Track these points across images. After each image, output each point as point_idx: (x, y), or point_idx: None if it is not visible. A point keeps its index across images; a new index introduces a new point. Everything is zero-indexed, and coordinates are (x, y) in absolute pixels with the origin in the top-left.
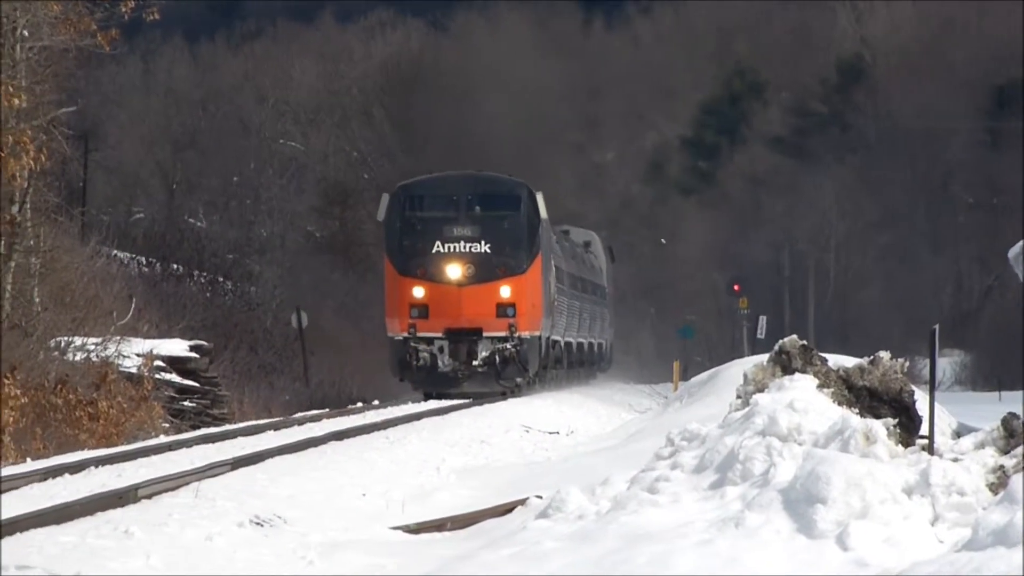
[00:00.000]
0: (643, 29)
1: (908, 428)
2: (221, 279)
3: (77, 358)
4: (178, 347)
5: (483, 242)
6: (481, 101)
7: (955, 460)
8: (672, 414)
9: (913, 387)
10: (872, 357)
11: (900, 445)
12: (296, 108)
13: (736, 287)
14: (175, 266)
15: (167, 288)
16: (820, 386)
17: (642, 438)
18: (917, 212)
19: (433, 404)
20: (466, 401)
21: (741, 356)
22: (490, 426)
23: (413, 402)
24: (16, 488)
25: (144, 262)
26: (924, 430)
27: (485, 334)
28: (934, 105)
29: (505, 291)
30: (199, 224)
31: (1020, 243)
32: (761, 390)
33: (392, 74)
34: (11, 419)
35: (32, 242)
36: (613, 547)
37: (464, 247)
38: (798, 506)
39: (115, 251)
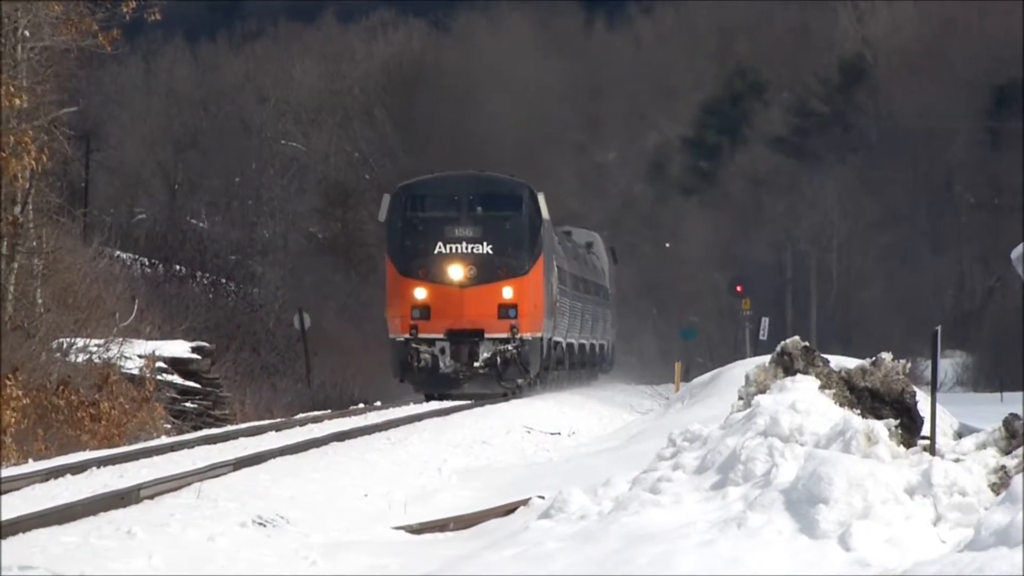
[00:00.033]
0: (644, 29)
1: (910, 429)
2: (223, 280)
3: (79, 359)
4: (180, 348)
5: (485, 243)
6: (483, 101)
7: (957, 460)
8: (674, 415)
9: (915, 388)
10: (874, 358)
11: (902, 446)
12: (297, 108)
13: (738, 288)
14: (177, 267)
15: (169, 289)
16: (822, 387)
17: (644, 439)
18: (919, 212)
19: (435, 405)
20: (468, 402)
21: (743, 357)
22: (492, 427)
23: (415, 403)
24: (18, 489)
25: (146, 263)
26: (926, 431)
27: (487, 335)
28: (935, 105)
29: (507, 292)
30: (201, 225)
31: (1022, 243)
32: (763, 391)
33: (394, 74)
34: (13, 420)
35: (34, 243)
36: (615, 547)
37: (466, 248)
38: (800, 506)
39: (117, 252)
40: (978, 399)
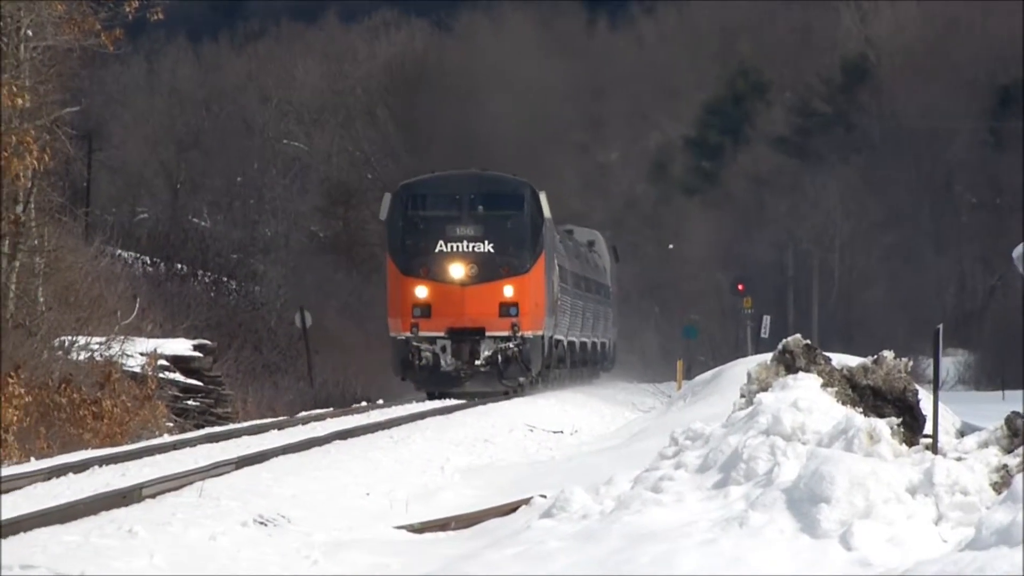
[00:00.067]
0: (647, 29)
1: (912, 427)
2: (225, 279)
3: (81, 357)
4: (182, 346)
5: (486, 241)
6: (485, 101)
7: (959, 459)
8: (676, 413)
9: (917, 386)
10: (876, 356)
11: (904, 444)
12: (300, 108)
13: (740, 287)
14: (179, 266)
15: (171, 288)
16: (824, 385)
17: (646, 437)
18: (921, 212)
19: (437, 403)
20: (470, 400)
21: (745, 355)
22: (494, 425)
23: (417, 401)
24: (20, 487)
25: (148, 262)
26: (928, 429)
27: (488, 334)
28: (938, 105)
29: (508, 290)
30: (203, 224)
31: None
32: (765, 389)
33: (396, 74)
34: (15, 418)
35: (36, 242)
36: (617, 546)
37: (467, 246)
38: (802, 505)
39: (119, 251)
40: (980, 397)
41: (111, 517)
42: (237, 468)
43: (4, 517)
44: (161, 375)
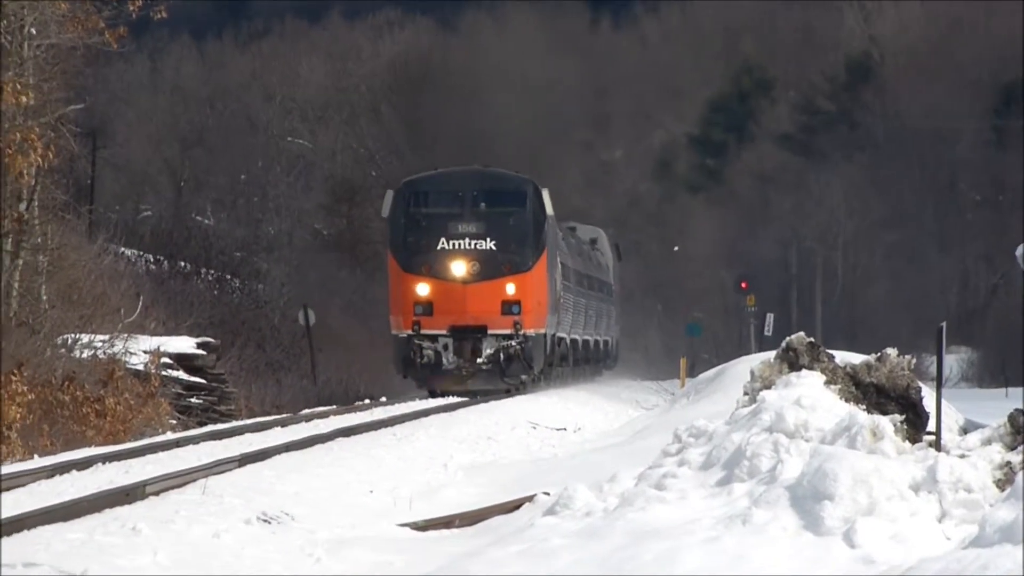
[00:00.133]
0: (650, 28)
1: (915, 424)
2: (229, 277)
3: (84, 355)
4: (185, 344)
5: (488, 239)
6: (489, 99)
7: (962, 456)
8: (679, 411)
9: (920, 384)
10: (879, 354)
11: (907, 441)
12: (304, 106)
13: (744, 285)
14: (183, 264)
15: (174, 286)
16: (827, 383)
17: (649, 435)
18: (924, 210)
19: (440, 401)
20: (473, 398)
21: (748, 353)
22: (497, 423)
23: (420, 399)
24: (23, 485)
25: (152, 260)
26: (931, 426)
27: (490, 331)
28: (942, 104)
29: (510, 288)
30: (207, 222)
31: None
32: (768, 387)
33: (400, 72)
34: (18, 416)
35: (40, 240)
36: (620, 544)
37: (469, 244)
38: (805, 503)
39: (123, 249)
40: (983, 395)
41: (114, 515)
42: (240, 465)
43: (8, 515)
44: (164, 373)
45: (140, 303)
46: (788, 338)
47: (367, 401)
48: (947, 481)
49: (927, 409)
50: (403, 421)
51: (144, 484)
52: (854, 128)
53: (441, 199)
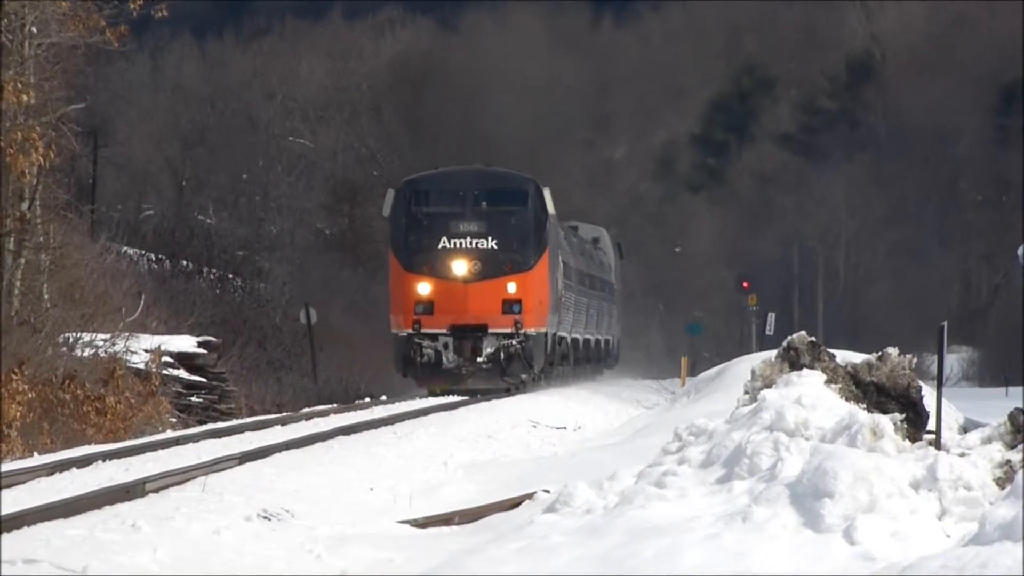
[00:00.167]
0: (652, 27)
1: (915, 423)
2: (230, 276)
3: (85, 354)
4: (186, 343)
5: (489, 238)
6: (490, 98)
7: (962, 455)
8: (679, 410)
9: (920, 383)
10: (880, 353)
11: (907, 440)
12: (304, 105)
13: (745, 284)
14: (184, 263)
15: (176, 285)
16: (828, 382)
17: (649, 433)
18: (926, 209)
19: (440, 400)
20: (474, 397)
21: (749, 352)
22: (497, 422)
23: (421, 398)
24: (23, 482)
25: (153, 259)
26: (931, 425)
27: (491, 330)
28: (943, 103)
29: (511, 287)
30: (209, 221)
31: None
32: (769, 386)
33: (401, 72)
34: (19, 414)
35: (41, 239)
36: (620, 541)
37: (470, 243)
38: (805, 500)
39: (124, 248)
40: (983, 394)
41: (114, 512)
42: (240, 463)
43: (8, 512)
44: (165, 372)
45: (142, 302)
46: (789, 337)
47: (367, 400)
48: (947, 479)
49: (927, 408)
50: (403, 419)
51: (144, 481)
52: (855, 127)
53: (442, 198)
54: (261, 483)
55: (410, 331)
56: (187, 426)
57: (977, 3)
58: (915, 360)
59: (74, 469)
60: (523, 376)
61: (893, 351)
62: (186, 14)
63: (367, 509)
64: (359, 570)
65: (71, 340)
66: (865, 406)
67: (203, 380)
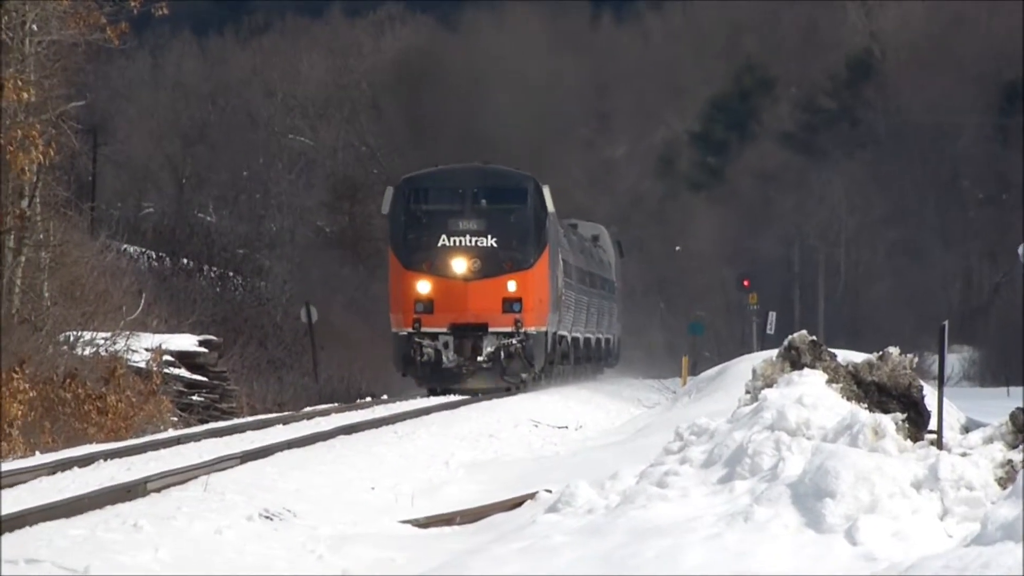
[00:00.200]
0: (652, 25)
1: (917, 423)
2: (231, 274)
3: (86, 352)
4: (187, 342)
5: (489, 236)
6: (490, 96)
7: (964, 455)
8: (681, 409)
9: (922, 382)
10: (881, 352)
11: (909, 440)
12: (305, 103)
13: (746, 282)
14: (185, 261)
15: (177, 283)
16: (829, 381)
17: (651, 433)
18: (927, 208)
19: (442, 399)
20: (475, 396)
21: (750, 351)
22: (498, 421)
23: (422, 397)
24: (25, 481)
25: (154, 256)
26: (932, 425)
27: (491, 329)
28: (943, 101)
29: (511, 286)
30: (209, 219)
31: None
32: (770, 385)
33: (401, 69)
34: (20, 412)
35: (42, 236)
36: (622, 541)
37: (470, 241)
38: (807, 500)
39: (125, 245)
40: (985, 394)
41: (116, 511)
42: (242, 463)
43: (10, 511)
44: (166, 371)
45: (142, 300)
46: (790, 336)
47: (369, 399)
48: (949, 479)
49: (929, 408)
50: (405, 419)
51: (146, 481)
52: (856, 125)
53: (442, 196)
54: (263, 482)
55: (410, 330)
56: (188, 425)
57: (977, 2)
58: (916, 359)
59: (76, 468)
60: (523, 375)
61: (894, 350)
62: (186, 11)
63: (369, 509)
64: (361, 570)
65: (72, 339)
66: (866, 406)
67: (204, 379)
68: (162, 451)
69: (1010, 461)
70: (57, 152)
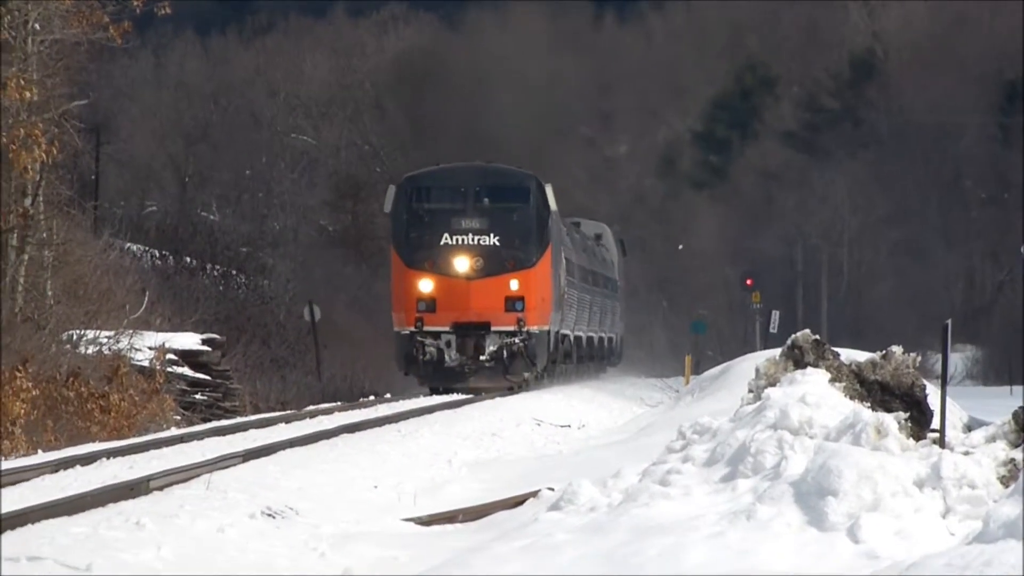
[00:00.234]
0: (654, 25)
1: (919, 422)
2: (234, 273)
3: (89, 351)
4: (190, 340)
5: (491, 235)
6: (493, 95)
7: (966, 453)
8: (684, 408)
9: (925, 381)
10: (884, 351)
11: (911, 439)
12: (308, 102)
13: (749, 282)
14: (188, 259)
15: (180, 281)
16: (832, 380)
17: (653, 432)
18: (929, 207)
19: (444, 398)
20: (478, 395)
21: (753, 350)
22: (501, 420)
23: (425, 396)
24: (27, 479)
25: (157, 255)
26: (935, 424)
27: (493, 328)
28: (946, 100)
29: (514, 284)
30: (212, 217)
31: None
32: (773, 384)
33: (404, 69)
34: (22, 411)
35: (45, 235)
36: (624, 539)
37: (472, 239)
38: (809, 499)
39: (128, 244)
40: (988, 392)
41: (118, 509)
42: (244, 461)
43: (13, 509)
44: (169, 369)
45: (145, 299)
46: (793, 335)
47: (372, 397)
48: (951, 477)
49: (931, 407)
50: (407, 417)
51: (148, 479)
52: (858, 125)
53: (444, 195)
54: (265, 481)
55: (412, 329)
56: (191, 424)
57: (979, 2)
58: (919, 359)
59: (78, 466)
60: (526, 374)
61: (897, 349)
62: (189, 11)
63: (371, 507)
64: (363, 568)
65: (75, 337)
66: (869, 404)
67: (207, 378)
68: (165, 449)
69: (1013, 460)
70: (60, 151)
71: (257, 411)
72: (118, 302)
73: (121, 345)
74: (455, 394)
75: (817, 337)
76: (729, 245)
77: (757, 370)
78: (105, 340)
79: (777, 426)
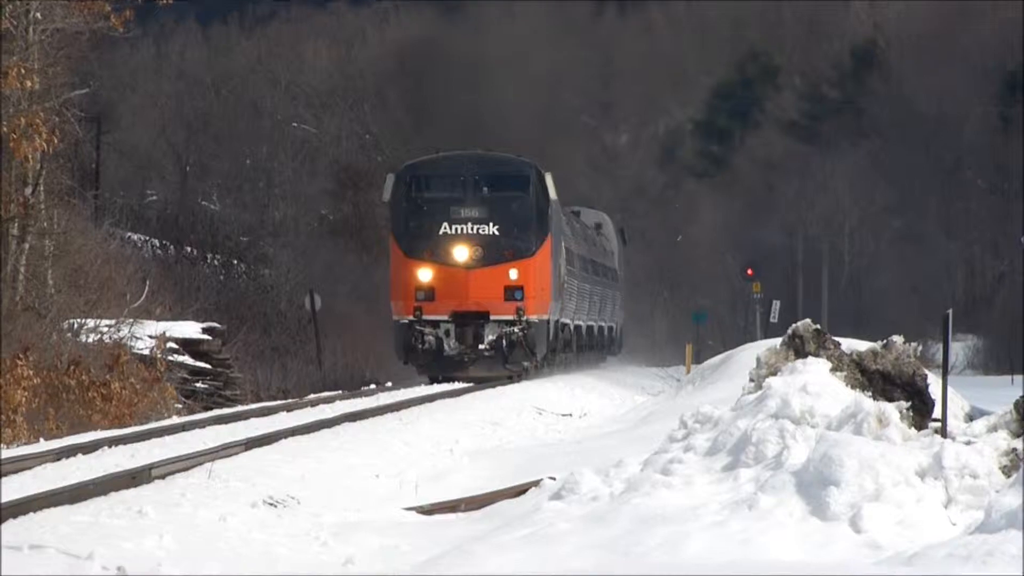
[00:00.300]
0: (655, 14)
1: (921, 411)
2: (235, 262)
3: (90, 340)
4: (191, 329)
5: (491, 223)
6: (493, 85)
7: (968, 443)
8: (685, 397)
9: (926, 371)
10: (885, 341)
11: (913, 428)
12: (309, 91)
13: (749, 271)
14: (189, 248)
15: (181, 270)
16: (833, 370)
17: (655, 421)
18: (930, 197)
19: (446, 387)
20: (479, 384)
21: (754, 340)
22: (502, 409)
23: (426, 384)
24: (29, 468)
25: (158, 244)
26: (937, 413)
27: (492, 317)
28: (947, 90)
29: (513, 274)
30: (213, 207)
31: None
32: (774, 373)
33: (405, 58)
34: (24, 400)
35: (46, 224)
36: (626, 528)
37: (471, 228)
38: (811, 488)
39: (129, 233)
40: (989, 382)
41: (120, 498)
42: (246, 449)
43: (14, 497)
44: (170, 358)
45: (146, 288)
46: (794, 325)
47: (373, 386)
48: (953, 467)
49: (933, 396)
50: (409, 406)
51: (150, 468)
52: (859, 115)
53: (443, 183)
54: (267, 469)
55: (411, 318)
56: (192, 412)
57: None
58: (920, 348)
59: (80, 455)
60: (525, 363)
61: (898, 339)
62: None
63: (373, 496)
64: (365, 557)
65: (76, 326)
66: (871, 394)
67: (208, 366)
68: (166, 438)
69: (1014, 449)
70: (61, 140)
71: (258, 400)
72: (119, 291)
73: (122, 334)
74: (456, 383)
75: (818, 326)
76: (730, 235)
77: (758, 359)
78: (106, 329)
79: (778, 415)
